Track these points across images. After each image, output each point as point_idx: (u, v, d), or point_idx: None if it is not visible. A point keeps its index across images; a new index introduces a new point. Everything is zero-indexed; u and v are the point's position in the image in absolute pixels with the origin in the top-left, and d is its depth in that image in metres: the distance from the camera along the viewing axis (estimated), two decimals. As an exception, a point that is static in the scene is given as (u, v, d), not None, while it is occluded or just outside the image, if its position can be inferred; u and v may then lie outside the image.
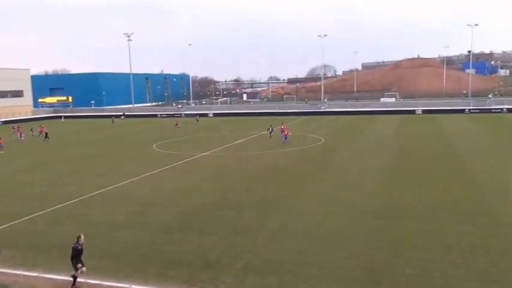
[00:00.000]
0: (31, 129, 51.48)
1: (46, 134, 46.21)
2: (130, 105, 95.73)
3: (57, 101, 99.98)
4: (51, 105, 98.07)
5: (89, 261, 12.98)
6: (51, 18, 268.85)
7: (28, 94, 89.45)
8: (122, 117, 78.23)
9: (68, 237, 15.12)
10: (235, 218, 16.77)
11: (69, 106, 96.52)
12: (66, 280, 11.77)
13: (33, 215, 18.00)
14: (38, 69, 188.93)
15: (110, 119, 71.48)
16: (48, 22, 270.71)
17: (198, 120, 65.98)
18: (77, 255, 11.49)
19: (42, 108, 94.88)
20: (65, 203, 19.73)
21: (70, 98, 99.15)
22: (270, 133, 42.48)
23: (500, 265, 11.97)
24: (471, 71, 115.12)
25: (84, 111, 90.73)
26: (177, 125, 55.96)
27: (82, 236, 11.84)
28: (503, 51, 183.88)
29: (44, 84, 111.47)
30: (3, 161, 33.73)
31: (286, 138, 38.21)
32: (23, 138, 46.57)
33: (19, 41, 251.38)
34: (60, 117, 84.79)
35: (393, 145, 35.72)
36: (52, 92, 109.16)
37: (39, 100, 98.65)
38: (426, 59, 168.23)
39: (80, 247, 11.59)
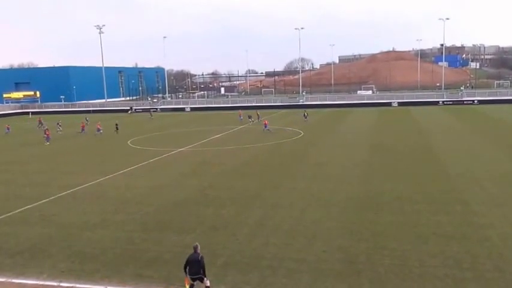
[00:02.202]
0: (58, 123, 49.72)
1: (116, 125, 45.38)
2: (103, 100, 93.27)
3: (24, 96, 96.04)
4: (17, 100, 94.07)
5: (62, 264, 12.56)
6: (16, 8, 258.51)
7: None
8: (130, 112, 76.34)
9: (39, 238, 14.64)
10: (214, 215, 16.52)
11: (37, 101, 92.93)
12: (37, 284, 11.28)
13: (0, 217, 17.18)
14: (2, 63, 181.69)
15: (86, 115, 69.16)
16: (12, 13, 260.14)
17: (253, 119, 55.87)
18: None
19: (8, 104, 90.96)
20: (34, 204, 18.94)
21: (38, 93, 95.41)
22: (305, 118, 50.53)
23: (474, 253, 12.25)
24: (444, 63, 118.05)
25: (54, 106, 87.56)
26: (240, 116, 54.29)
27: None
28: (474, 45, 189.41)
29: (9, 79, 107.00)
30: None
31: (266, 126, 41.94)
32: (101, 131, 43.64)
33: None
34: (27, 113, 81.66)
35: (371, 138, 36.19)
36: (18, 86, 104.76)
37: (4, 95, 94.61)
38: (401, 52, 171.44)
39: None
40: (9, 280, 11.63)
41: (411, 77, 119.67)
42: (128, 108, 78.98)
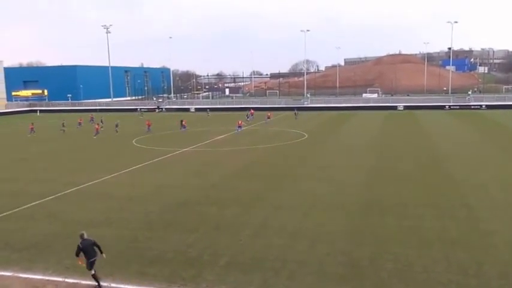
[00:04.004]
0: (101, 121, 51.68)
1: (181, 121, 47.08)
2: (109, 99, 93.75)
3: (32, 94, 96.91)
4: (25, 98, 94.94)
5: (67, 260, 12.64)
6: (25, 8, 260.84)
7: (1, 87, 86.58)
8: (157, 110, 76.98)
9: (45, 234, 14.77)
10: (217, 215, 16.57)
11: (44, 99, 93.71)
12: (43, 279, 11.44)
13: (6, 213, 17.39)
14: (12, 61, 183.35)
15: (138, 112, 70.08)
16: (21, 12, 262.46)
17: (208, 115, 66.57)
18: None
19: (16, 102, 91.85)
20: (41, 200, 19.13)
21: (46, 91, 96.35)
22: (296, 116, 57.47)
23: (479, 259, 12.14)
24: (451, 67, 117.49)
25: (61, 105, 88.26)
26: (252, 115, 56.46)
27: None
28: (482, 49, 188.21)
29: (18, 77, 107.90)
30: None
31: (240, 127, 43.76)
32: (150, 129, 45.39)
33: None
34: (35, 111, 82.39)
35: (375, 141, 36.08)
36: (26, 85, 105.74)
37: (13, 93, 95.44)
38: (407, 55, 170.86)
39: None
40: (16, 275, 11.77)
41: (417, 80, 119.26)
42: (156, 107, 79.95)
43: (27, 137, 43.56)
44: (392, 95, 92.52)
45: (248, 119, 55.28)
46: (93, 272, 10.83)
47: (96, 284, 10.89)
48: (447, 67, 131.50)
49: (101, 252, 11.05)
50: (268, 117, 56.31)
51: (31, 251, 13.47)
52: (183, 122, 46.78)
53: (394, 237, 13.92)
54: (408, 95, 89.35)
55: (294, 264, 12.08)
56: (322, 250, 12.99)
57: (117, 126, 46.73)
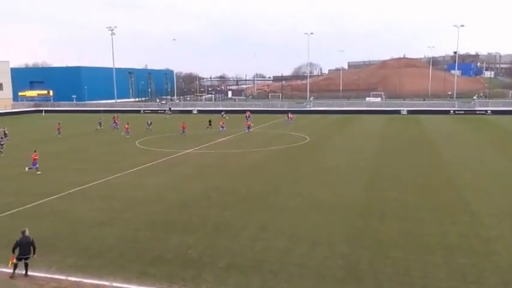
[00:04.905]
0: (114, 119, 53.08)
1: (210, 122, 48.59)
2: (113, 101, 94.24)
3: (38, 94, 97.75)
4: (31, 98, 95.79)
5: (70, 258, 12.87)
6: (31, 9, 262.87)
7: (8, 87, 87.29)
8: (168, 112, 77.67)
9: (49, 233, 14.93)
10: (218, 216, 16.67)
11: (50, 100, 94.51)
12: (46, 277, 11.61)
13: (12, 211, 17.62)
14: (18, 62, 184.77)
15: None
16: (27, 13, 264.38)
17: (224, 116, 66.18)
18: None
19: (22, 102, 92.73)
20: (45, 199, 19.36)
21: (51, 92, 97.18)
22: (288, 118, 58.02)
23: (480, 266, 12.11)
24: (456, 72, 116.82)
25: (66, 105, 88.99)
26: (249, 116, 57.41)
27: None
28: (489, 53, 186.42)
29: (24, 77, 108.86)
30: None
31: (249, 128, 46.39)
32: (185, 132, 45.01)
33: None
34: (40, 111, 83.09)
35: (377, 145, 36.03)
36: (32, 85, 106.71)
37: (20, 93, 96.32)
38: (412, 59, 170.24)
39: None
40: (19, 272, 11.90)
41: (422, 84, 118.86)
42: (167, 109, 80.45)
43: (55, 136, 43.75)
44: (404, 99, 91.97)
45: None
46: (16, 262, 11.58)
47: (12, 272, 11.68)
48: (452, 71, 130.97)
49: (34, 254, 11.76)
50: (290, 118, 57.83)
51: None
52: (221, 122, 47.40)
53: (394, 241, 13.95)
54: (424, 100, 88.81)
55: (293, 266, 12.15)
56: (321, 253, 13.05)
57: (150, 124, 47.89)
